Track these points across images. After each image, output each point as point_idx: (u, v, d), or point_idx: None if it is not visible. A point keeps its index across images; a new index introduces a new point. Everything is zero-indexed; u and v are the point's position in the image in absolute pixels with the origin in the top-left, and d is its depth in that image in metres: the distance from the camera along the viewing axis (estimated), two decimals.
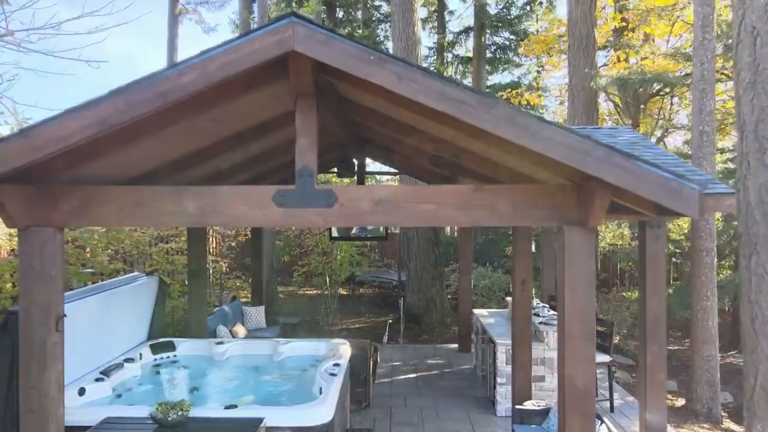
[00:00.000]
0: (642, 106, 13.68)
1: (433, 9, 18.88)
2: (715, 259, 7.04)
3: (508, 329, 6.72)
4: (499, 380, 6.33)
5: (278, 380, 5.81)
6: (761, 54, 3.26)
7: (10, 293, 6.82)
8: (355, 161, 7.36)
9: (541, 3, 17.51)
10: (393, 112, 4.51)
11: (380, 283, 14.32)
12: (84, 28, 5.55)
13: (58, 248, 3.42)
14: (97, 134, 2.89)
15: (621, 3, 13.73)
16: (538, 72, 19.28)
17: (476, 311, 8.33)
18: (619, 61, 13.06)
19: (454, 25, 24.62)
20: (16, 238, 3.94)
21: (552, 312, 6.91)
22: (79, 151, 3.10)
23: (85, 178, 3.57)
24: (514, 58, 18.59)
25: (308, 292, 14.01)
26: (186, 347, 6.33)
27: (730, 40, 9.07)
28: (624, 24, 13.32)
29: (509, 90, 17.06)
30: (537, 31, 17.83)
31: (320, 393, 4.66)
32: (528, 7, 17.69)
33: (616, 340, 8.15)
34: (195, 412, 4.08)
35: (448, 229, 16.48)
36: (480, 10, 16.95)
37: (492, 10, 17.65)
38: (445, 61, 19.19)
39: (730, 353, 9.53)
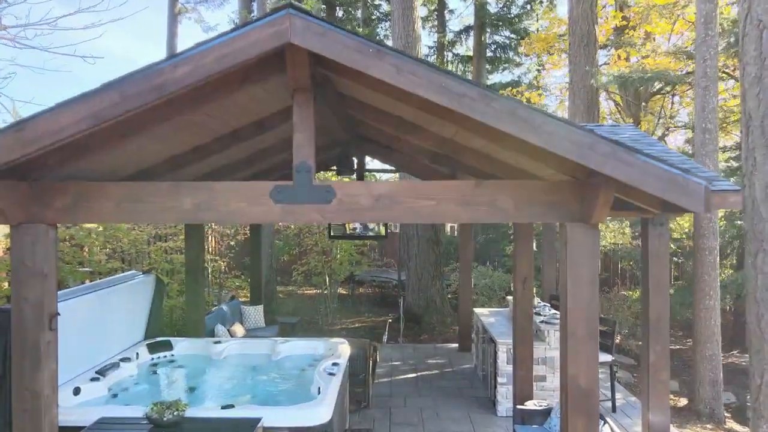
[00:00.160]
0: (643, 104, 13.63)
1: (433, 8, 18.82)
2: (718, 258, 6.99)
3: (508, 328, 6.66)
4: (500, 380, 6.28)
5: (276, 380, 5.75)
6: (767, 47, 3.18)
7: (6, 292, 6.76)
8: (355, 159, 7.31)
9: (541, 2, 17.46)
10: (392, 108, 4.46)
11: (380, 282, 14.28)
12: (80, 24, 5.50)
13: (51, 245, 3.36)
14: (90, 128, 2.83)
15: (622, 1, 13.68)
16: (538, 71, 19.24)
17: (477, 310, 8.28)
18: (620, 59, 13.00)
19: (454, 24, 24.60)
20: None
21: (553, 311, 6.85)
22: (73, 146, 3.04)
23: (79, 175, 3.51)
24: (515, 57, 18.54)
25: (307, 291, 13.95)
26: (183, 346, 6.28)
27: (732, 38, 9.03)
28: (625, 22, 13.27)
29: (510, 89, 17.03)
30: (537, 30, 17.77)
31: (318, 393, 4.60)
32: (528, 6, 17.63)
33: (617, 339, 8.09)
34: (191, 412, 4.03)
35: (448, 228, 16.43)
36: (480, 8, 16.91)
37: (492, 9, 17.60)
38: (445, 60, 19.14)
39: (731, 353, 9.48)
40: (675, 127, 14.74)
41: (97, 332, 5.29)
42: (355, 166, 7.33)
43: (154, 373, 5.81)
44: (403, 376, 7.75)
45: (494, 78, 19.65)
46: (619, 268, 13.14)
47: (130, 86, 2.78)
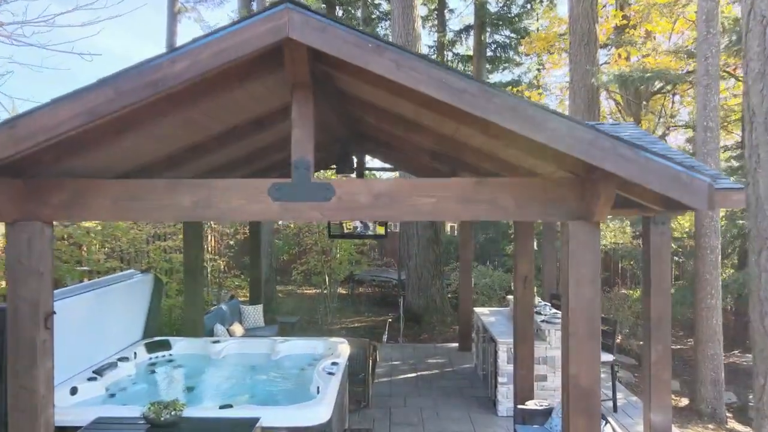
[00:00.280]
0: (644, 104, 13.59)
1: (433, 7, 18.79)
2: (720, 257, 6.96)
3: (509, 328, 6.63)
4: (500, 379, 6.24)
5: (275, 379, 5.72)
6: None
7: (2, 291, 6.73)
8: (354, 158, 7.28)
9: (541, 1, 17.43)
10: (392, 105, 4.42)
11: (380, 281, 14.24)
12: (78, 22, 5.47)
13: (46, 243, 3.33)
14: (86, 124, 2.79)
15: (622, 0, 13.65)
16: (538, 70, 19.22)
17: (477, 310, 8.25)
18: (620, 58, 12.97)
19: (454, 24, 24.59)
20: None
21: (554, 310, 6.82)
22: (69, 142, 3.00)
23: (75, 172, 3.47)
24: (515, 56, 18.50)
25: (307, 291, 13.92)
26: (182, 346, 6.24)
27: (734, 36, 9.00)
28: (625, 21, 13.24)
29: (510, 88, 17.00)
30: (537, 29, 17.74)
31: (318, 392, 4.57)
32: (528, 5, 17.59)
33: (618, 339, 8.05)
34: (189, 412, 3.99)
35: (448, 228, 16.40)
36: (480, 8, 16.87)
37: (492, 8, 17.56)
38: (445, 59, 19.09)
39: (732, 352, 9.45)
40: (675, 126, 14.71)
41: (94, 331, 5.25)
42: (355, 165, 7.31)
43: (153, 372, 5.77)
44: (402, 376, 7.71)
45: (494, 77, 19.63)
46: (619, 268, 13.12)
47: (125, 82, 2.74)
